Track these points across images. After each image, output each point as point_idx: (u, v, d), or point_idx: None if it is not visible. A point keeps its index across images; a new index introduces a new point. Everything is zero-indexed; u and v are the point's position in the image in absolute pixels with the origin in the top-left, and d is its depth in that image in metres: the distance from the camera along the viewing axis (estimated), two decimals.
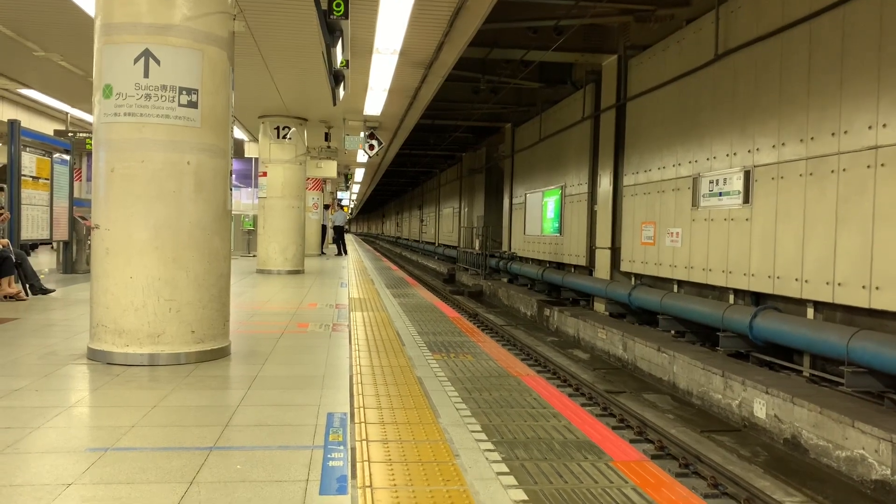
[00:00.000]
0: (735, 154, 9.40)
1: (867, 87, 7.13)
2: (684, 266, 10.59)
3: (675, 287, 11.12)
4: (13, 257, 8.08)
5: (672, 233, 11.00)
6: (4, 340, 5.72)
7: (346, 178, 29.46)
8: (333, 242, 24.55)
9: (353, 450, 3.31)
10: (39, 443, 3.25)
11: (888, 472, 5.64)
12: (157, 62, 4.79)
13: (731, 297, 9.60)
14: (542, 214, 17.65)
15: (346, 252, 22.92)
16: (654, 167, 11.69)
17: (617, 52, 13.17)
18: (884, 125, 6.90)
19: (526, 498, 2.92)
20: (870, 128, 7.07)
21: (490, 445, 3.56)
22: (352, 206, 48.42)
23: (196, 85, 4.92)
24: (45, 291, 8.54)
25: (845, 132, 7.41)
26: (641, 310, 11.61)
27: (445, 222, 34.37)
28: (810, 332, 7.54)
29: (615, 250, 13.27)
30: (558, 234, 16.47)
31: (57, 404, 3.86)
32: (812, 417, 6.53)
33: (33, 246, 13.63)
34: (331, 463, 3.05)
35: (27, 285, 8.39)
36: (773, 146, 8.58)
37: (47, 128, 15.64)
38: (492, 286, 20.19)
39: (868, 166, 7.07)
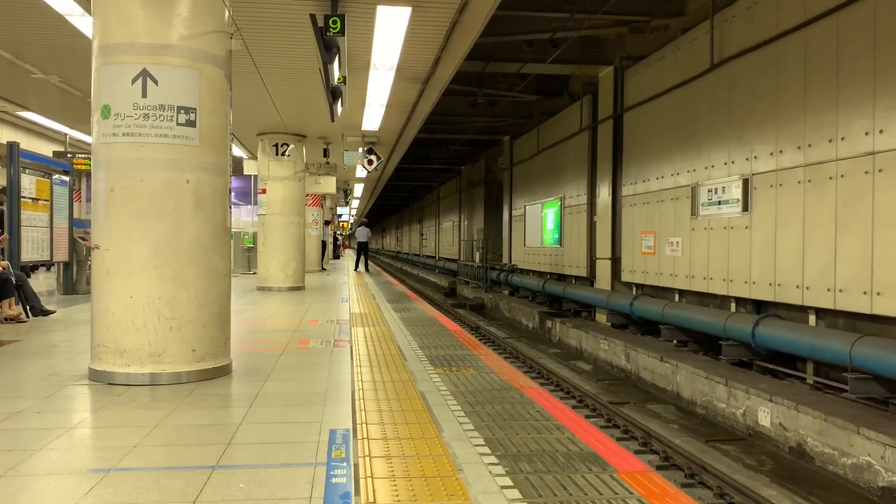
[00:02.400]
0: (733, 162, 9.41)
1: (863, 93, 7.16)
2: (685, 275, 10.59)
3: (677, 296, 11.10)
4: (13, 279, 8.08)
5: (672, 242, 11.00)
6: (6, 362, 5.71)
7: (345, 193, 29.51)
8: (333, 257, 24.69)
9: (356, 466, 3.29)
10: (41, 465, 3.24)
11: (895, 478, 5.60)
12: (155, 82, 4.81)
13: (733, 306, 9.59)
14: (542, 226, 17.67)
15: (367, 268, 23.24)
16: (653, 177, 11.71)
17: (613, 63, 13.24)
18: (881, 131, 6.92)
19: None
20: (867, 134, 7.09)
21: (494, 459, 3.55)
22: (351, 221, 48.48)
23: (194, 104, 4.94)
24: (46, 313, 8.53)
25: (843, 139, 7.43)
26: (643, 320, 11.59)
27: (445, 236, 34.40)
28: (813, 340, 7.53)
29: (615, 261, 13.26)
30: (558, 246, 16.48)
31: (59, 426, 3.85)
32: (817, 425, 6.50)
33: (33, 267, 13.63)
34: (334, 480, 3.03)
35: (28, 307, 8.39)
36: (771, 154, 8.60)
37: (46, 149, 15.68)
38: (493, 299, 20.17)
39: (866, 172, 7.08)
